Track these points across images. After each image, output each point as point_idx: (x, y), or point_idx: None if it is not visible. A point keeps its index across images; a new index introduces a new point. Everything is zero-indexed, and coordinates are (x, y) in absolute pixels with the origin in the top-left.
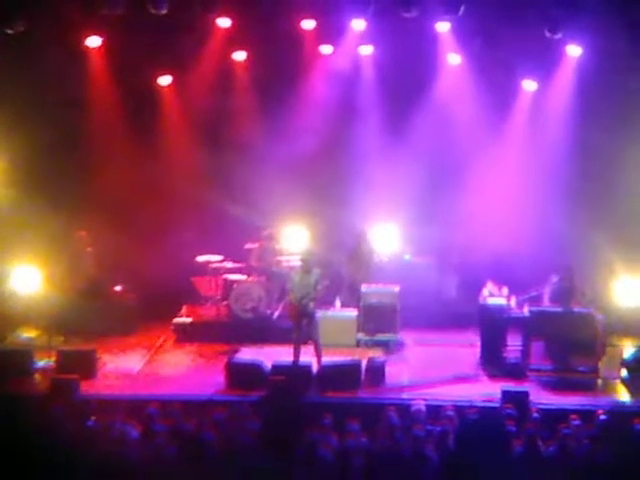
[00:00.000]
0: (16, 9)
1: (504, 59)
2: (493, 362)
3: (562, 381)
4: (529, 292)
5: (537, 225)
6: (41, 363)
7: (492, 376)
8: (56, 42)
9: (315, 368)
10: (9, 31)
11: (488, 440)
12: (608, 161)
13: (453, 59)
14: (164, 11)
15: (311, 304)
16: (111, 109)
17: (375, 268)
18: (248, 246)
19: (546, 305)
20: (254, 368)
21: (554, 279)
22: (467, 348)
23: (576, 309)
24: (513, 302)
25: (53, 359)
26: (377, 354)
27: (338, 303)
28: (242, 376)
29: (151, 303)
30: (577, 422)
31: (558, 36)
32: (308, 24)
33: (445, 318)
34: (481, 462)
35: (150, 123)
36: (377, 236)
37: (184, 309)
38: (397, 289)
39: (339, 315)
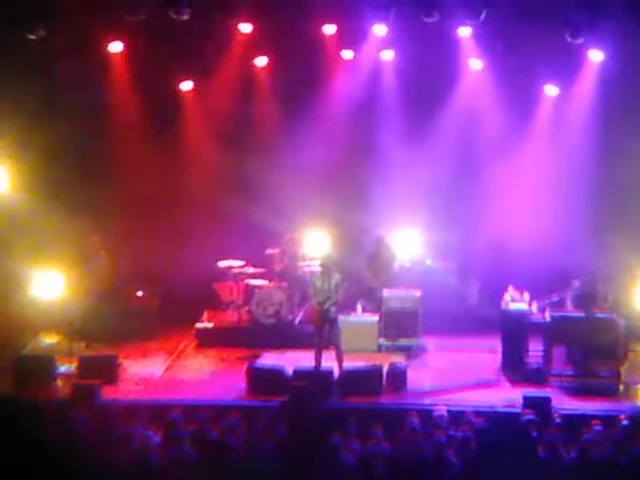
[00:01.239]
0: (37, 15)
1: (526, 64)
2: (515, 367)
3: (584, 386)
4: (551, 297)
5: (559, 229)
6: (63, 368)
7: (514, 381)
8: (78, 48)
9: (336, 373)
10: (31, 36)
11: (510, 446)
12: (630, 165)
13: (474, 64)
14: (186, 17)
15: (333, 309)
16: (132, 114)
17: (395, 273)
18: (269, 251)
19: (568, 310)
20: (275, 373)
21: (576, 284)
22: (488, 353)
23: (597, 314)
24: (534, 307)
25: (75, 364)
26: (398, 359)
27: (359, 308)
28: (263, 381)
29: (173, 308)
30: (599, 427)
31: (580, 41)
32: (329, 29)
33: (466, 323)
34: (503, 467)
35: (171, 128)
36: (398, 241)
37: (205, 314)
38: (418, 294)
39: (360, 320)
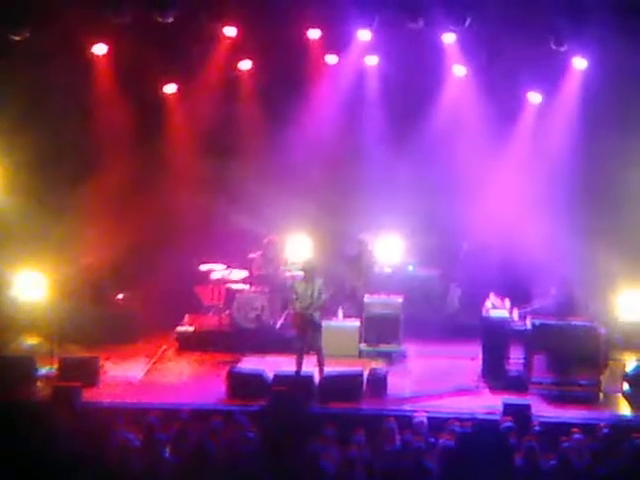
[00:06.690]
0: (22, 16)
1: (509, 71)
2: (495, 375)
3: (564, 394)
4: (532, 305)
5: (541, 237)
6: (43, 370)
7: (494, 389)
8: (62, 49)
9: (317, 378)
10: (15, 37)
11: (488, 453)
12: (613, 173)
13: (458, 70)
14: (170, 19)
15: (317, 314)
16: (116, 117)
17: (376, 276)
18: (251, 255)
19: (549, 318)
20: (256, 378)
21: (553, 292)
22: (469, 360)
23: (578, 322)
24: (515, 315)
25: (55, 366)
26: (379, 365)
27: (341, 313)
28: (244, 386)
29: (154, 311)
30: (578, 436)
31: (564, 48)
32: (314, 34)
33: (448, 330)
34: (481, 474)
35: (155, 131)
36: (381, 246)
37: (186, 318)
38: (400, 300)
39: (342, 325)
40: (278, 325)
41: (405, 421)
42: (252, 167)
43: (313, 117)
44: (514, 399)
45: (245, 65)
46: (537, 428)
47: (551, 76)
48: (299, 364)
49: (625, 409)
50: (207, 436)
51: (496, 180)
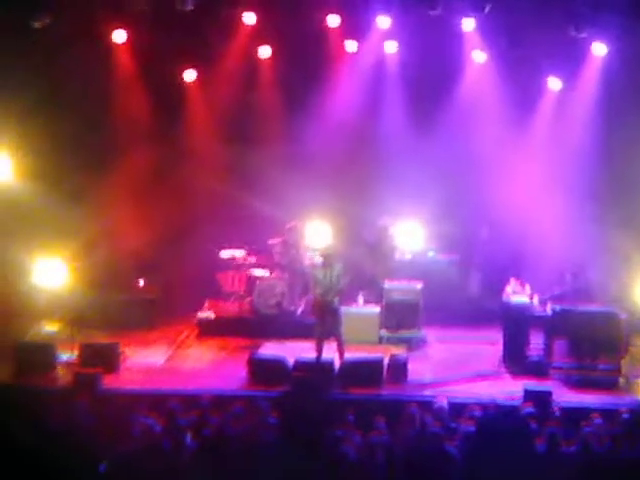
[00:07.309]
0: (43, 2)
1: (529, 57)
2: (516, 360)
3: (584, 380)
4: (552, 290)
5: (561, 223)
6: (64, 357)
7: (514, 374)
8: (82, 36)
9: (338, 364)
10: (35, 24)
11: (509, 438)
12: (633, 160)
13: (478, 57)
14: (190, 7)
15: (336, 299)
16: (136, 103)
17: (395, 262)
18: (271, 241)
19: (569, 303)
20: (277, 364)
21: (569, 277)
22: (490, 346)
23: (599, 308)
24: (536, 300)
25: (76, 353)
26: (399, 351)
27: (361, 299)
28: (264, 371)
29: (174, 298)
30: (599, 421)
31: (584, 34)
32: (333, 20)
33: (468, 315)
34: (502, 460)
35: (174, 118)
36: (401, 232)
37: (207, 304)
38: (420, 286)
39: (362, 311)
40: (298, 311)
41: (425, 407)
42: (272, 154)
43: (333, 103)
44: (535, 384)
45: (264, 52)
46: (558, 413)
47: (571, 62)
48: (319, 350)
49: None
50: (228, 422)
51: (515, 166)
